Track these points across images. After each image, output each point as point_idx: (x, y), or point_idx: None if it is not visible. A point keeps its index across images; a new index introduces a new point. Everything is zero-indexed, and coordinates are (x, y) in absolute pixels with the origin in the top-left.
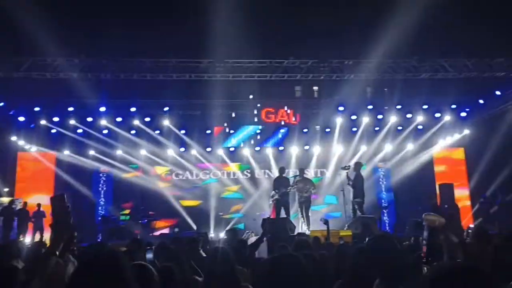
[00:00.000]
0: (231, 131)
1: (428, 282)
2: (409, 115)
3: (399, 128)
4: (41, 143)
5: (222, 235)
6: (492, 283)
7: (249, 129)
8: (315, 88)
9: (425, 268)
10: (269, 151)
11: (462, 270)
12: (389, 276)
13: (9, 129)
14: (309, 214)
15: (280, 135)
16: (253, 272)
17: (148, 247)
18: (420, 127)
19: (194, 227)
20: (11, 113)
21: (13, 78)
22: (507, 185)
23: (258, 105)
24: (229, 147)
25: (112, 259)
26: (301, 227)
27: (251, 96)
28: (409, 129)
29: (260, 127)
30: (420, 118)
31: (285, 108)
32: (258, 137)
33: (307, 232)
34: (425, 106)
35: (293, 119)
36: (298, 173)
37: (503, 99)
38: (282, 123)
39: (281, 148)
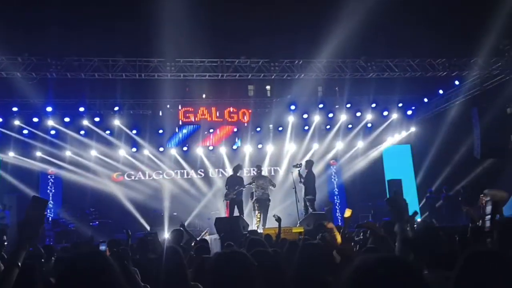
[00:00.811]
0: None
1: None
2: (358, 114)
3: (349, 126)
4: None
5: (167, 235)
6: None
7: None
8: (268, 87)
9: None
10: (222, 150)
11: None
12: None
13: None
14: (267, 213)
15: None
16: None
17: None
18: (369, 125)
19: (148, 227)
20: None
21: None
22: (451, 180)
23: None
24: (183, 147)
25: (100, 257)
26: (254, 225)
27: (204, 95)
28: (359, 127)
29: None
30: (369, 117)
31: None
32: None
33: (260, 230)
34: (373, 105)
35: (245, 118)
36: (255, 170)
37: (445, 97)
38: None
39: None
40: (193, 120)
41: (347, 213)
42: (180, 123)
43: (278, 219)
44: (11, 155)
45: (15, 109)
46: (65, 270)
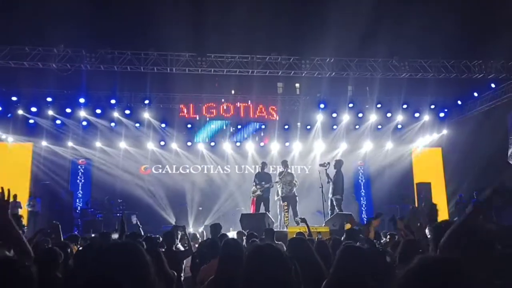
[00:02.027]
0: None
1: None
2: (389, 114)
3: (379, 126)
4: (19, 133)
5: (201, 229)
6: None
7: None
8: (297, 85)
9: None
10: (249, 147)
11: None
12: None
13: None
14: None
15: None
16: None
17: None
18: (399, 126)
19: (173, 221)
20: None
21: None
22: (483, 185)
23: (249, 101)
24: (210, 143)
25: (132, 246)
26: (283, 223)
27: (233, 91)
28: (389, 128)
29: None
30: (399, 118)
31: (270, 106)
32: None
33: (285, 229)
34: (404, 106)
35: (273, 115)
36: (282, 166)
37: (480, 100)
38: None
39: (261, 144)
40: (220, 115)
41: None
42: (208, 118)
43: (303, 220)
44: (43, 144)
45: (49, 99)
46: (99, 258)
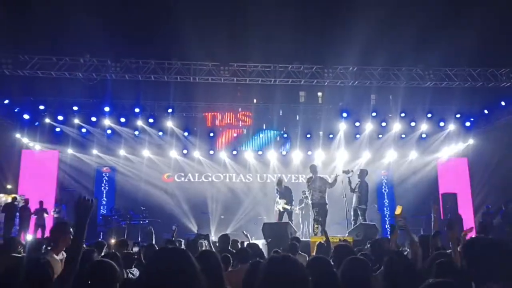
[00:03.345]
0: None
1: None
2: (413, 123)
3: (403, 136)
4: (45, 141)
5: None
6: None
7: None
8: (319, 93)
9: None
10: (271, 155)
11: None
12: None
13: (13, 127)
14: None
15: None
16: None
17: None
18: (423, 135)
19: (195, 229)
20: (16, 110)
21: (18, 76)
22: (510, 196)
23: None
24: (232, 151)
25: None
26: (302, 233)
27: (255, 100)
28: (413, 137)
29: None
30: (424, 127)
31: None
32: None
33: (307, 239)
34: (429, 115)
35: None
36: (311, 171)
37: (508, 109)
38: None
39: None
40: (242, 124)
41: (398, 210)
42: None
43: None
44: (69, 152)
45: (75, 108)
46: (148, 266)
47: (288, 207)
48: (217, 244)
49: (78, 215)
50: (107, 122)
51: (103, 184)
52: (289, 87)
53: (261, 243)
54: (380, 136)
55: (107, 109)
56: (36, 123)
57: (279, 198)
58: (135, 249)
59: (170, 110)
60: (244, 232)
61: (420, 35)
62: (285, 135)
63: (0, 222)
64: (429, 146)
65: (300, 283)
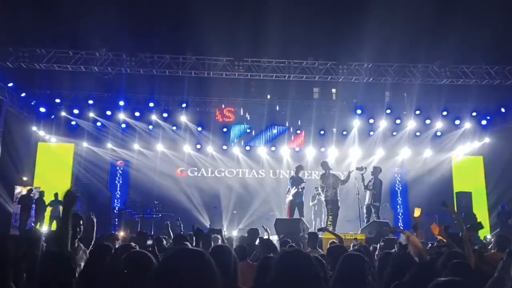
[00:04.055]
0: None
1: None
2: (428, 121)
3: (417, 133)
4: (61, 134)
5: (235, 233)
6: None
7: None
8: (333, 90)
9: None
10: (284, 151)
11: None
12: None
13: (30, 120)
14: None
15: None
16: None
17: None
18: (438, 133)
19: (207, 224)
20: (32, 103)
21: (35, 69)
22: None
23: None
24: (248, 147)
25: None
26: (314, 229)
27: (268, 96)
28: (428, 135)
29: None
30: (439, 124)
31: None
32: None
33: (320, 235)
34: (444, 113)
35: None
36: (324, 168)
37: None
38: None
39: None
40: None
41: (417, 212)
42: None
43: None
44: (84, 145)
45: (90, 101)
46: (164, 266)
47: (295, 191)
48: (247, 236)
49: (65, 203)
50: (121, 116)
51: (117, 178)
52: (303, 83)
53: (275, 239)
54: (394, 133)
55: (121, 103)
56: (52, 116)
57: (291, 186)
58: (149, 242)
59: (184, 105)
60: (264, 226)
61: (436, 31)
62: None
63: (16, 213)
64: (444, 144)
65: (312, 278)
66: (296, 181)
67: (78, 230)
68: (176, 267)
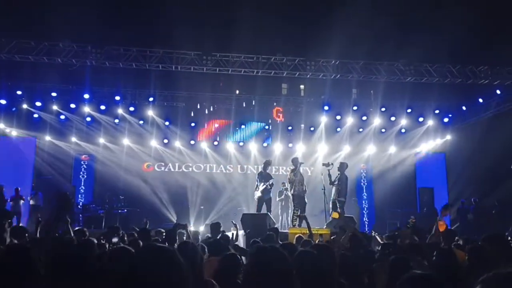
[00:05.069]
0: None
1: None
2: (393, 118)
3: (383, 130)
4: (22, 127)
5: (202, 228)
6: None
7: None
8: (302, 86)
9: None
10: (252, 147)
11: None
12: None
13: None
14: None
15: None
16: None
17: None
18: (403, 130)
19: (174, 219)
20: None
21: None
22: (485, 192)
23: (274, 103)
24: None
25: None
26: (290, 223)
27: (237, 91)
28: (392, 132)
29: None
30: (403, 122)
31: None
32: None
33: (286, 230)
34: (409, 110)
35: (278, 116)
36: (294, 165)
37: (485, 106)
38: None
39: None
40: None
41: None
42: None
43: (304, 218)
44: (47, 139)
45: (54, 94)
46: (130, 263)
47: (263, 187)
48: (210, 232)
49: (59, 205)
50: (86, 109)
51: (81, 172)
52: (271, 79)
53: (241, 234)
54: (361, 130)
55: (86, 96)
56: (13, 109)
57: (259, 182)
58: (115, 239)
59: (151, 99)
60: (233, 221)
61: (402, 29)
62: (266, 127)
63: None
64: (408, 140)
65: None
66: (264, 177)
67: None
68: (145, 264)
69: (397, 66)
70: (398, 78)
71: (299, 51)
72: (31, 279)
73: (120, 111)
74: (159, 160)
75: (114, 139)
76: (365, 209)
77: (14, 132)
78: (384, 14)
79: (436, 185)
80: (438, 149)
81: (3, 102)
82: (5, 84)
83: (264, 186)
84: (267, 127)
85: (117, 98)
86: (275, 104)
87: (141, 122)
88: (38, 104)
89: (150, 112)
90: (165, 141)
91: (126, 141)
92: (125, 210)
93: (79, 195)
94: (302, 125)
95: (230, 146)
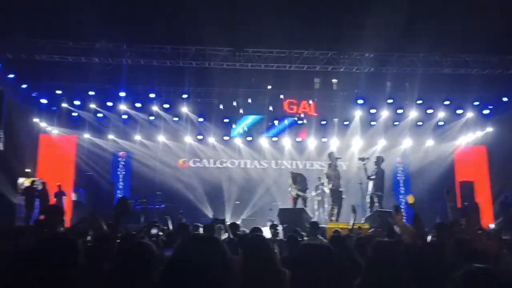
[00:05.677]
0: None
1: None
2: (430, 111)
3: (419, 123)
4: (63, 125)
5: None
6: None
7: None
8: (334, 80)
9: None
10: (286, 142)
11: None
12: None
13: (32, 111)
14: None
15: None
16: None
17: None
18: (441, 123)
19: (210, 214)
20: (34, 95)
21: (36, 60)
22: None
23: (281, 96)
24: (247, 137)
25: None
26: (329, 219)
27: (269, 87)
28: (430, 125)
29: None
30: (441, 114)
31: (309, 101)
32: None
33: (323, 225)
34: (446, 102)
35: (314, 110)
36: (330, 160)
37: None
38: (302, 115)
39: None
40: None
41: (410, 199)
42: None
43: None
44: (86, 136)
45: (91, 93)
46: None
47: (301, 194)
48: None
49: (116, 211)
50: (122, 107)
51: (119, 169)
52: (303, 74)
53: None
54: (396, 123)
55: (122, 94)
56: (54, 108)
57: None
58: (153, 231)
59: (185, 96)
60: (270, 218)
61: (438, 20)
62: (300, 122)
63: (21, 205)
64: (446, 133)
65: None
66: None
67: None
68: (191, 253)
69: (433, 58)
70: (435, 70)
71: (332, 44)
72: (75, 272)
73: (155, 108)
74: (194, 156)
75: (149, 136)
76: (403, 204)
77: (55, 131)
78: (420, 4)
79: (477, 179)
80: (478, 142)
81: (44, 101)
82: (45, 84)
83: (302, 193)
84: (300, 121)
85: (152, 95)
86: (281, 97)
87: (175, 118)
88: (76, 103)
89: (184, 109)
90: (200, 137)
91: (161, 138)
92: (163, 206)
93: (118, 191)
94: (336, 119)
95: (263, 141)
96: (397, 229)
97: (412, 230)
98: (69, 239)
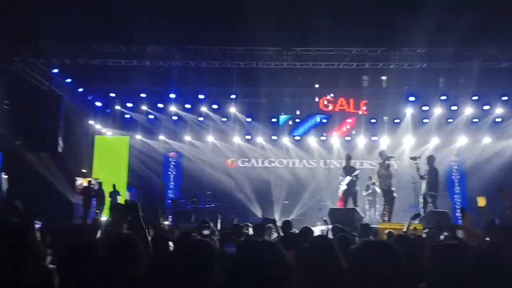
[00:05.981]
0: (297, 120)
1: None
2: (486, 107)
3: (475, 120)
4: (116, 127)
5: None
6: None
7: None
8: (384, 77)
9: None
10: (334, 141)
11: None
12: None
13: (87, 113)
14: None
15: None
16: None
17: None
18: (498, 119)
19: (259, 213)
20: (89, 98)
21: (91, 65)
22: None
23: (316, 98)
24: (295, 136)
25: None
26: (381, 219)
27: (317, 85)
28: (486, 121)
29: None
30: (498, 110)
31: (353, 98)
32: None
33: (375, 226)
34: (504, 98)
35: (363, 108)
36: (382, 159)
37: None
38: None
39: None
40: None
41: (482, 201)
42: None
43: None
44: (138, 138)
45: (143, 95)
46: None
47: (349, 180)
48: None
49: (130, 212)
50: (173, 108)
51: (170, 169)
52: (352, 71)
53: (317, 229)
54: (450, 120)
55: (172, 95)
56: (108, 110)
57: (344, 176)
58: (205, 232)
59: (233, 96)
60: (324, 218)
61: (492, 12)
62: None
63: (79, 204)
64: (504, 130)
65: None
66: (348, 170)
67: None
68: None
69: (490, 51)
70: (492, 64)
71: (381, 41)
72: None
73: (204, 109)
74: (242, 155)
75: (199, 136)
76: (458, 204)
77: (109, 132)
78: None
79: None
80: None
81: (99, 104)
82: (100, 88)
83: (350, 178)
84: (349, 120)
85: (201, 96)
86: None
87: (224, 119)
88: (129, 105)
89: (233, 109)
90: (248, 137)
91: (210, 138)
92: (213, 205)
93: (169, 191)
94: (386, 117)
95: (312, 141)
96: (459, 232)
97: (479, 233)
98: (133, 240)
